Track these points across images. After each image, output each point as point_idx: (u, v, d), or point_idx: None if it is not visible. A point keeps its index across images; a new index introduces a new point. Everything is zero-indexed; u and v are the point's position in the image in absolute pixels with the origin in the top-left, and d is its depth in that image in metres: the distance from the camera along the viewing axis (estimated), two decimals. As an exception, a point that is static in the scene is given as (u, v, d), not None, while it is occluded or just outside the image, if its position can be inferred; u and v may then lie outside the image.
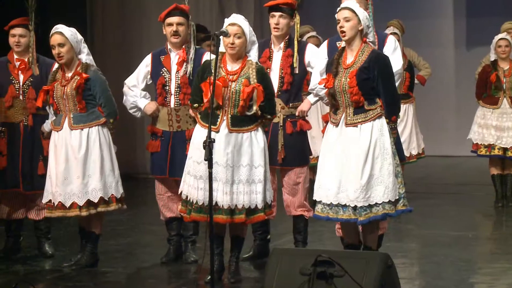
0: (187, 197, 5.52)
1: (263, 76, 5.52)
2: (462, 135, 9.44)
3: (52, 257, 6.44)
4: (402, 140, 8.28)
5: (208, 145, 4.96)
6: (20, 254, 6.53)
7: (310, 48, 6.10)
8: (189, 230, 6.20)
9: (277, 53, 6.09)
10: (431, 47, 12.08)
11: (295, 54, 6.00)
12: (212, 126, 5.23)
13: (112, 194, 5.95)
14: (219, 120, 5.41)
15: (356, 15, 5.28)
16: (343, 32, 5.28)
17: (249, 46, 5.52)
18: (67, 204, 5.88)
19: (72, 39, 5.91)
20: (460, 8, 12.77)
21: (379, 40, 5.60)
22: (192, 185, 5.47)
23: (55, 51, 5.91)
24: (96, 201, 5.89)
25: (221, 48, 5.45)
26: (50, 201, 5.97)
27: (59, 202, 5.89)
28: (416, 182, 10.01)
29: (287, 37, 6.06)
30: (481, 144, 8.52)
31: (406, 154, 8.40)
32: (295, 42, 6.03)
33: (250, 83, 5.43)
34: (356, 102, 5.25)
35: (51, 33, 5.94)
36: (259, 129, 5.52)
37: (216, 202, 5.37)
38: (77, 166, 5.88)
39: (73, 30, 5.98)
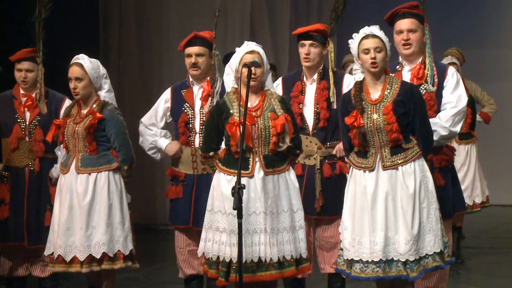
0: (218, 257, 5.31)
1: (287, 106, 5.47)
2: (533, 181, 9.30)
3: (59, 320, 6.42)
4: (464, 186, 8.17)
5: (238, 192, 4.86)
6: (23, 317, 6.46)
7: (348, 79, 6.00)
8: (212, 290, 6.08)
9: (311, 86, 6.00)
10: (495, 80, 12.07)
11: (332, 86, 5.93)
12: (243, 171, 5.12)
13: (119, 250, 5.82)
14: (250, 163, 5.27)
15: (385, 44, 5.22)
16: (374, 63, 5.18)
17: (266, 75, 5.43)
18: (67, 258, 5.80)
19: (92, 73, 5.86)
20: (529, 36, 12.64)
21: (438, 72, 5.51)
22: (225, 242, 5.28)
23: (71, 85, 5.87)
24: (98, 256, 5.78)
25: (231, 83, 5.38)
26: (52, 253, 5.89)
27: (59, 255, 5.80)
28: (479, 235, 9.97)
29: (320, 68, 6.00)
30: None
31: (469, 202, 8.50)
32: (330, 73, 5.95)
33: (277, 115, 5.33)
34: (394, 140, 5.17)
35: (70, 63, 5.89)
36: (291, 168, 5.43)
37: (259, 258, 5.22)
38: (81, 215, 5.78)
39: (96, 62, 5.93)
